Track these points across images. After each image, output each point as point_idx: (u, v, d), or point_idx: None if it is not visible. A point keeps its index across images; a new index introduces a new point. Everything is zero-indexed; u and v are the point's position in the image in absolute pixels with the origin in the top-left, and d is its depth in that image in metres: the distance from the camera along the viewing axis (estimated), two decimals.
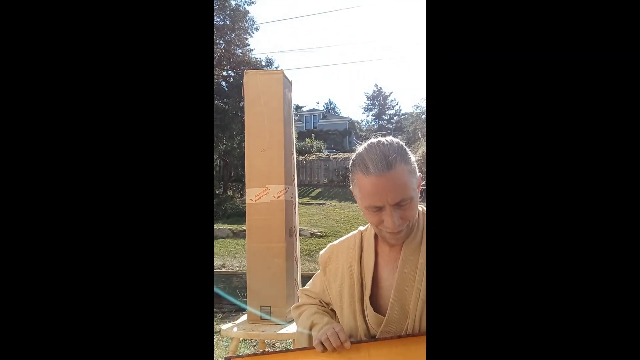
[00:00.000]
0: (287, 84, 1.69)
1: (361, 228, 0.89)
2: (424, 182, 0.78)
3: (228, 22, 10.34)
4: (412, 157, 0.77)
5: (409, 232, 0.79)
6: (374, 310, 0.80)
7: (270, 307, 1.36)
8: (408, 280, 0.77)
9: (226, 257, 5.14)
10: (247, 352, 2.68)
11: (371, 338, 0.79)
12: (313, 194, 9.25)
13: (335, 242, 0.92)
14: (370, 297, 0.81)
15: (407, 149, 0.77)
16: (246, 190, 1.61)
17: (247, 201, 1.60)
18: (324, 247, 0.94)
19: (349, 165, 0.78)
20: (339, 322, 0.87)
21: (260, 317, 1.37)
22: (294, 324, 0.98)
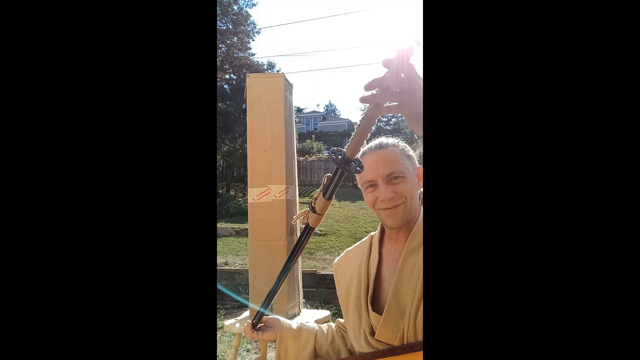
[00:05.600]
0: (288, 86, 1.71)
1: (372, 233, 0.92)
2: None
3: (230, 27, 10.36)
4: (409, 148, 0.86)
5: (407, 216, 0.82)
6: (374, 309, 0.81)
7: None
8: (405, 280, 0.78)
9: (229, 255, 5.15)
10: (249, 347, 2.69)
11: (371, 335, 0.81)
12: (313, 193, 9.24)
13: (350, 248, 0.98)
14: (373, 297, 0.83)
15: (404, 142, 0.87)
16: (248, 190, 1.63)
17: (249, 200, 1.61)
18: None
19: None
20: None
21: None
22: (295, 320, 1.02)
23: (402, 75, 0.58)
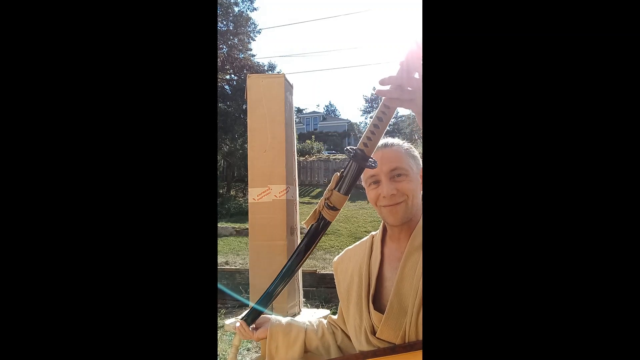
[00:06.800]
0: (288, 87, 1.72)
1: (373, 233, 0.93)
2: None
3: (231, 28, 10.39)
4: (414, 149, 0.87)
5: (407, 215, 0.82)
6: (375, 308, 0.82)
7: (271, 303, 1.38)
8: (407, 278, 0.79)
9: (229, 255, 5.16)
10: (250, 346, 2.69)
11: (372, 333, 0.81)
12: (313, 193, 9.26)
13: (350, 247, 0.98)
14: (374, 296, 0.84)
15: (408, 143, 0.88)
16: (249, 189, 1.63)
17: (249, 200, 1.62)
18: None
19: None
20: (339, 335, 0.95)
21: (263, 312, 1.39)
22: (295, 319, 1.02)
23: (417, 76, 0.63)
